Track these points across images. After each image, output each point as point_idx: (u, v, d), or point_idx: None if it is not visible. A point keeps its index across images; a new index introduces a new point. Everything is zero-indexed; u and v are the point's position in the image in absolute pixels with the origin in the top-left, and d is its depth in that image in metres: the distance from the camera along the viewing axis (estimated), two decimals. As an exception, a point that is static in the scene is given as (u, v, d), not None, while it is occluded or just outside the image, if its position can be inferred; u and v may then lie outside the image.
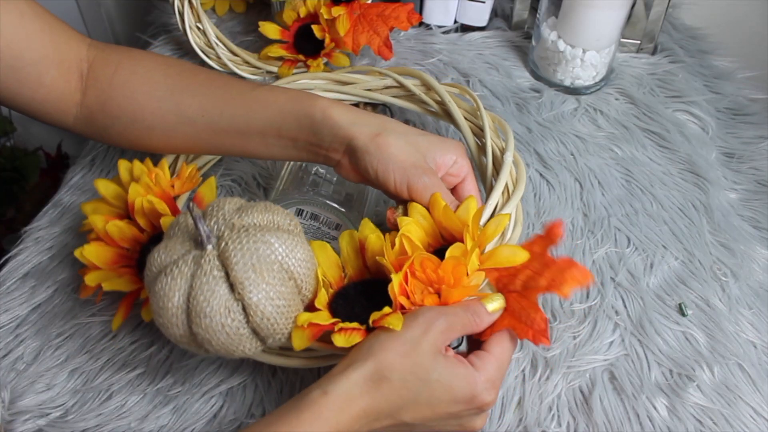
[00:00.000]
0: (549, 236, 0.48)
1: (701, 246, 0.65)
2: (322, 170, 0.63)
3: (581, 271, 0.46)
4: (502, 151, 0.60)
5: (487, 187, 0.60)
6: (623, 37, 0.84)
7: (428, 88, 0.67)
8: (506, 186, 0.57)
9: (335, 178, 0.62)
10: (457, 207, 0.52)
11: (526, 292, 0.48)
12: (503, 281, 0.49)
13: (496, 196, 0.55)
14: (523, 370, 0.56)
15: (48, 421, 0.54)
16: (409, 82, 0.68)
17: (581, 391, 0.55)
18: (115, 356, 0.58)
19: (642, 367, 0.56)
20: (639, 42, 0.86)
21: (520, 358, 0.57)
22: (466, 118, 0.65)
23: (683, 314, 0.60)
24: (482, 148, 0.62)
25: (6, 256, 0.65)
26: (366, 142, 0.53)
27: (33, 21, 0.55)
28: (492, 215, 0.54)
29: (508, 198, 0.56)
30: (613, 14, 0.75)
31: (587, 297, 0.61)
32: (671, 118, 0.79)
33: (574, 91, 0.81)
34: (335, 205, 0.60)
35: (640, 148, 0.75)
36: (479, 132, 0.64)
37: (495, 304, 0.47)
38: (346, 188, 0.62)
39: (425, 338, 0.44)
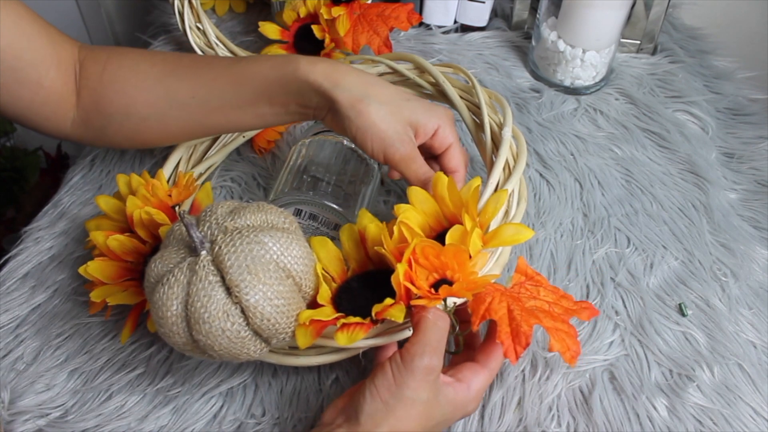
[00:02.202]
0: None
1: (701, 246, 0.65)
2: (320, 170, 0.63)
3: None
4: (501, 127, 0.60)
5: (487, 164, 0.60)
6: (623, 37, 0.84)
7: (422, 70, 0.67)
8: (506, 162, 0.57)
9: (334, 179, 0.62)
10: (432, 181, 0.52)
11: (559, 313, 0.48)
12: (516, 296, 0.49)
13: (497, 173, 0.55)
14: (523, 370, 0.56)
15: (48, 421, 0.54)
16: (402, 67, 0.67)
17: (581, 391, 0.55)
18: (115, 356, 0.58)
19: (642, 367, 0.56)
20: (639, 42, 0.86)
21: (520, 359, 0.56)
22: (462, 97, 0.64)
23: (683, 314, 0.60)
24: (480, 125, 0.62)
25: (6, 256, 0.65)
26: (347, 108, 0.54)
27: (30, 23, 0.56)
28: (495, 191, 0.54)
29: (510, 174, 0.56)
30: (613, 14, 0.75)
31: (587, 297, 0.61)
32: (671, 118, 0.79)
33: (574, 91, 0.81)
34: (334, 206, 0.60)
35: (640, 148, 0.75)
36: (477, 110, 0.63)
37: (445, 303, 0.48)
38: (344, 188, 0.62)
39: (428, 387, 0.45)
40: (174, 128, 0.60)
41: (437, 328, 0.46)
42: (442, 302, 0.47)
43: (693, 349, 0.58)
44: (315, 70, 0.55)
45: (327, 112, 0.56)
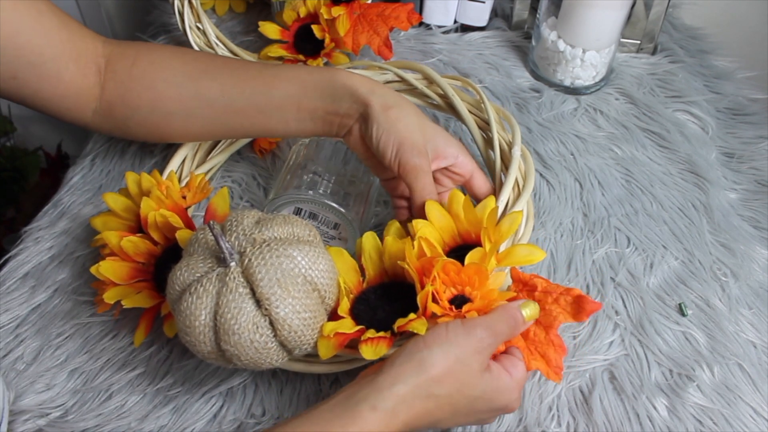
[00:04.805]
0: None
1: (701, 246, 0.65)
2: (320, 169, 0.63)
3: (592, 303, 0.48)
4: (509, 144, 0.60)
5: (496, 182, 0.61)
6: (623, 37, 0.84)
7: (430, 81, 0.67)
8: (516, 181, 0.57)
9: (333, 178, 0.62)
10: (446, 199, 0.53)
11: (545, 324, 0.49)
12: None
13: (507, 193, 0.56)
14: (523, 370, 0.56)
15: (48, 421, 0.54)
16: (411, 76, 0.67)
17: (581, 391, 0.55)
18: (115, 356, 0.58)
19: (642, 367, 0.56)
20: (639, 42, 0.86)
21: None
22: (470, 111, 0.65)
23: (683, 314, 0.60)
24: (488, 141, 0.62)
25: (6, 256, 0.65)
26: (378, 111, 0.55)
27: (51, 19, 0.56)
28: (504, 211, 0.55)
29: (519, 193, 0.56)
30: (613, 14, 0.75)
31: (587, 297, 0.61)
32: (671, 118, 0.79)
33: (574, 91, 0.81)
34: (334, 204, 0.60)
35: (640, 148, 0.75)
36: (484, 125, 0.63)
37: (529, 312, 0.48)
38: (344, 188, 0.62)
39: (476, 358, 0.44)
40: (196, 126, 0.61)
41: (508, 322, 0.46)
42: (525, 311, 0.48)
43: (693, 349, 0.58)
44: (353, 76, 0.57)
45: (356, 120, 0.57)
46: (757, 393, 0.55)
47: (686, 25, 0.93)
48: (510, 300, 0.49)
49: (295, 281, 0.45)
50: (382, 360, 0.46)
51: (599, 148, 0.75)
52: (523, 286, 0.51)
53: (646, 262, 0.64)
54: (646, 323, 0.59)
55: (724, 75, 0.86)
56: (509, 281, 0.53)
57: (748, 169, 0.74)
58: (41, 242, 0.66)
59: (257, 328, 0.44)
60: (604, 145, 0.75)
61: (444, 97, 0.66)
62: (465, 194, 0.53)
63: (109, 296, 0.54)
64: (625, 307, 0.60)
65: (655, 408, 0.54)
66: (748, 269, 0.64)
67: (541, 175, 0.72)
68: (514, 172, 0.57)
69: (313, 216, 0.61)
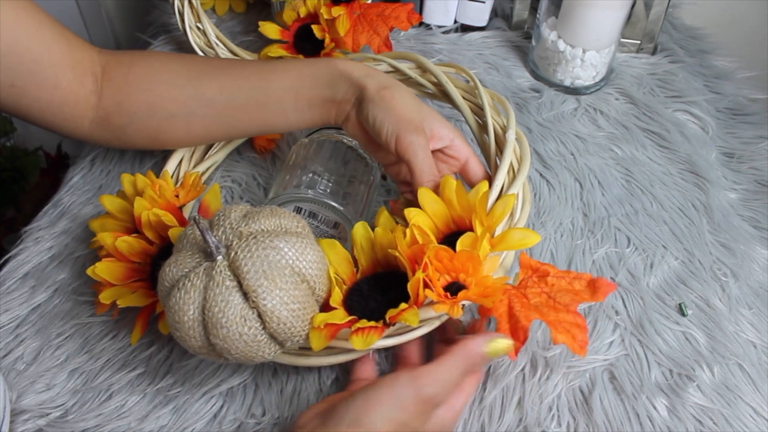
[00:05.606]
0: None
1: (701, 246, 0.65)
2: (320, 169, 0.63)
3: (607, 283, 0.48)
4: (504, 129, 0.60)
5: (491, 167, 0.61)
6: (623, 37, 0.84)
7: (424, 70, 0.67)
8: (511, 165, 0.57)
9: (333, 178, 0.62)
10: (437, 185, 0.53)
11: (564, 304, 0.48)
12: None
13: (502, 177, 0.55)
14: (522, 370, 0.56)
15: (48, 421, 0.54)
16: (404, 66, 0.68)
17: (581, 391, 0.55)
18: (115, 356, 0.58)
19: (642, 367, 0.56)
20: (639, 42, 0.86)
21: (519, 358, 0.57)
22: (464, 98, 0.65)
23: (683, 314, 0.60)
24: (483, 126, 0.62)
25: (6, 256, 0.65)
26: (373, 93, 0.56)
27: (50, 29, 0.57)
28: (499, 196, 0.54)
29: (514, 177, 0.56)
30: (613, 14, 0.76)
31: (587, 297, 0.61)
32: (671, 118, 0.79)
33: (574, 91, 0.81)
34: (334, 203, 0.60)
35: (640, 148, 0.75)
36: (479, 111, 0.63)
37: (496, 347, 0.46)
38: (344, 188, 0.62)
39: (421, 417, 0.44)
40: (197, 127, 0.61)
41: (460, 368, 0.45)
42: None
43: (693, 349, 0.58)
44: (348, 63, 0.58)
45: (353, 105, 0.58)
46: (757, 393, 0.55)
47: (686, 25, 0.93)
48: (490, 313, 0.48)
49: (282, 273, 0.45)
50: (329, 396, 0.46)
51: (599, 148, 0.75)
52: (533, 273, 0.50)
53: (646, 262, 0.64)
54: (646, 323, 0.59)
55: (724, 75, 0.86)
56: (506, 267, 0.52)
57: (748, 169, 0.74)
58: (41, 242, 0.66)
59: (245, 320, 0.44)
60: (604, 145, 0.75)
61: (438, 84, 0.66)
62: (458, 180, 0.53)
63: (105, 297, 0.54)
64: (625, 307, 0.60)
65: (655, 408, 0.54)
66: (748, 269, 0.64)
67: (541, 175, 0.72)
68: (509, 156, 0.56)
69: (312, 215, 0.61)
